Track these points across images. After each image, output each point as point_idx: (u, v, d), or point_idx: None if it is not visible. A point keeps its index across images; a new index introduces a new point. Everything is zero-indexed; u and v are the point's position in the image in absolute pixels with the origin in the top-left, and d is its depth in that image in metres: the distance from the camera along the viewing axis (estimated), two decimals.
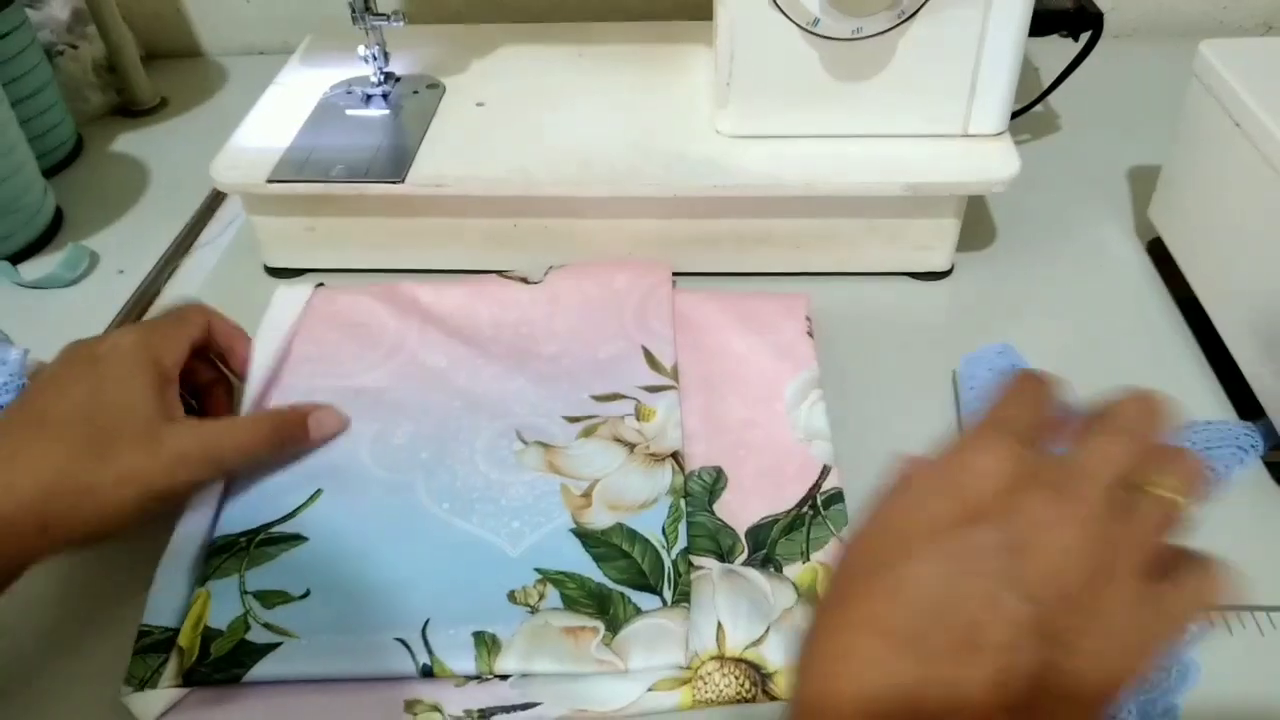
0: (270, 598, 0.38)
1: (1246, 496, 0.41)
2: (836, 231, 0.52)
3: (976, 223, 0.57)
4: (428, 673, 0.35)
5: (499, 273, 0.52)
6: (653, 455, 0.42)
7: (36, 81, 0.63)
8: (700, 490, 0.42)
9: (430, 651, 0.36)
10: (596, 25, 0.64)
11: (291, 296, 0.50)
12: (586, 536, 0.39)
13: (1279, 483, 0.42)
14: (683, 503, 0.41)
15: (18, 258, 0.58)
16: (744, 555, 0.40)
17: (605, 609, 0.37)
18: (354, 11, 0.54)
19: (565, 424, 0.44)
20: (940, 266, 0.54)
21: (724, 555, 0.39)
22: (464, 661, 0.35)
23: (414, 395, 0.46)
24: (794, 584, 0.38)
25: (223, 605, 0.37)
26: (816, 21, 0.46)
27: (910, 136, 0.50)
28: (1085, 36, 0.55)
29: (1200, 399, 0.46)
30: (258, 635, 0.36)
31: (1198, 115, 0.48)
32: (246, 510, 0.41)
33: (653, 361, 0.47)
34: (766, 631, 0.36)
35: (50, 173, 0.64)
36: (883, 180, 0.49)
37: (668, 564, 0.38)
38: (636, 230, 0.53)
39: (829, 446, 0.43)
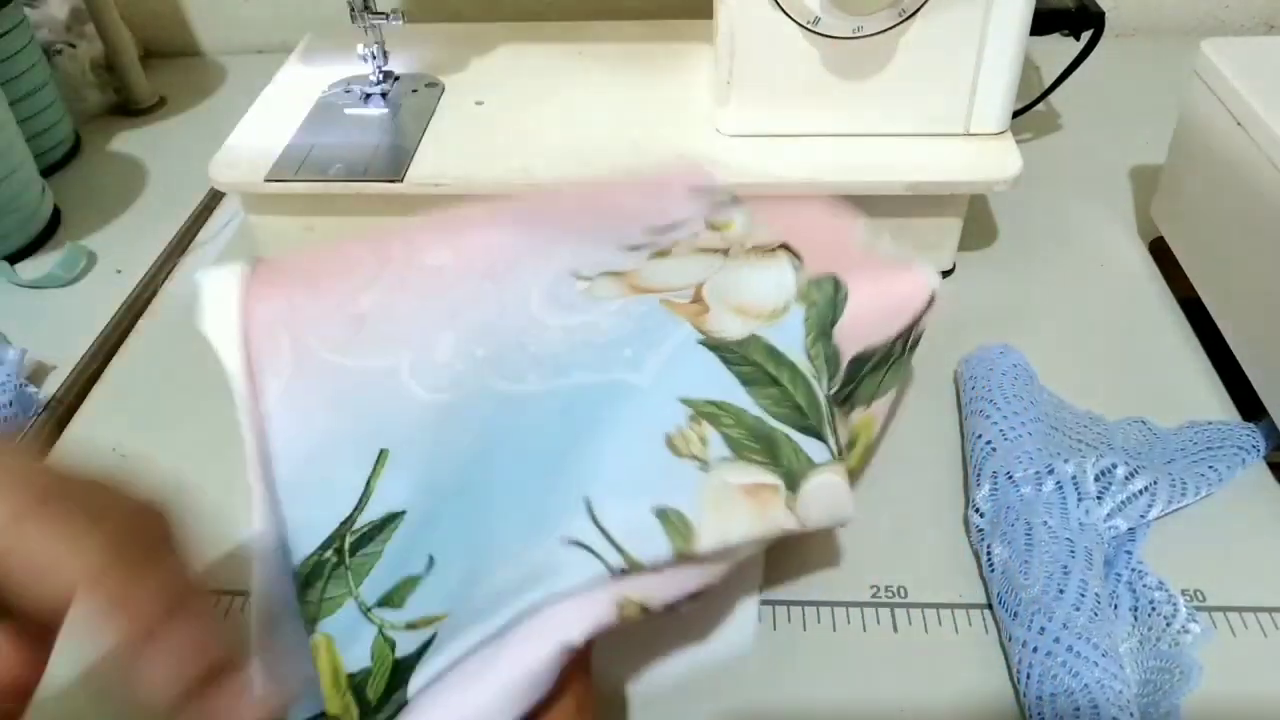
0: (396, 596, 0.29)
1: (1247, 497, 0.41)
2: None
3: (978, 222, 0.56)
4: (624, 573, 0.28)
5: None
6: (756, 250, 0.33)
7: (34, 81, 0.63)
8: (824, 303, 0.33)
9: (616, 545, 0.28)
10: (596, 24, 0.64)
11: (219, 287, 0.35)
12: (722, 349, 0.31)
13: None
14: (816, 314, 0.33)
15: (15, 257, 0.58)
16: (834, 389, 0.33)
17: (777, 457, 0.30)
18: (353, 10, 0.54)
19: (627, 253, 0.35)
20: (942, 266, 0.53)
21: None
22: (657, 548, 0.28)
23: (432, 300, 0.35)
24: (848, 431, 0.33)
25: (351, 641, 0.29)
26: (817, 20, 0.46)
27: (911, 136, 0.50)
28: (1086, 35, 0.55)
29: (1202, 399, 0.46)
30: (407, 643, 0.28)
31: (1199, 114, 0.47)
32: (310, 517, 0.31)
33: (704, 191, 0.38)
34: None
35: (48, 172, 0.64)
36: (884, 179, 0.48)
37: (822, 400, 0.31)
38: None
39: (933, 270, 0.37)
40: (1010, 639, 0.35)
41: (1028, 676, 0.34)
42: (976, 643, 0.37)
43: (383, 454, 0.32)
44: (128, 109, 0.72)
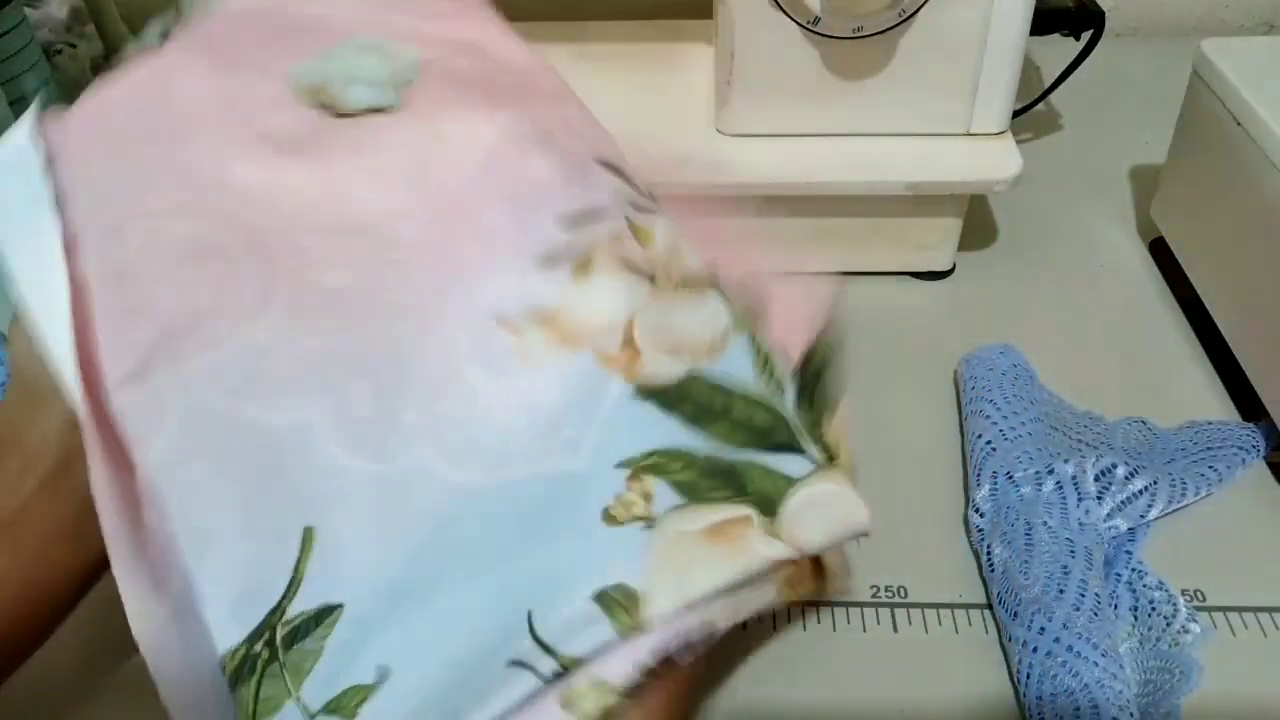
0: (345, 705, 0.26)
1: (1248, 497, 0.41)
2: (837, 231, 0.52)
3: (978, 222, 0.56)
4: (560, 676, 0.26)
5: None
6: (684, 283, 0.30)
7: (35, 80, 0.62)
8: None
9: (550, 650, 0.26)
10: (596, 24, 0.64)
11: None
12: (659, 394, 0.28)
13: None
14: (761, 338, 0.30)
15: None
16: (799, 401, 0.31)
17: (743, 486, 0.28)
18: None
19: (543, 269, 0.29)
20: (942, 266, 0.53)
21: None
22: (596, 636, 0.26)
23: (338, 338, 0.29)
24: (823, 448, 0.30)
25: None
26: (817, 20, 0.46)
27: (912, 135, 0.50)
28: (1086, 35, 0.55)
29: (1202, 399, 0.46)
30: None
31: (1199, 114, 0.47)
32: (232, 600, 0.27)
33: (619, 173, 0.33)
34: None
35: None
36: (884, 179, 0.48)
37: (789, 413, 0.29)
38: None
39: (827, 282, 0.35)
40: (1010, 639, 0.35)
41: (1028, 676, 0.34)
42: (976, 643, 0.37)
43: (309, 532, 0.27)
44: None
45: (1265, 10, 0.76)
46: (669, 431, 0.28)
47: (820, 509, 0.28)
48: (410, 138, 0.31)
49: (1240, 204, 0.44)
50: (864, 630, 0.37)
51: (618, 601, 0.26)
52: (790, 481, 0.28)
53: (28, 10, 0.65)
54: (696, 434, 0.28)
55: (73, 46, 0.69)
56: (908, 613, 0.38)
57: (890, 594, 0.38)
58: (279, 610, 0.27)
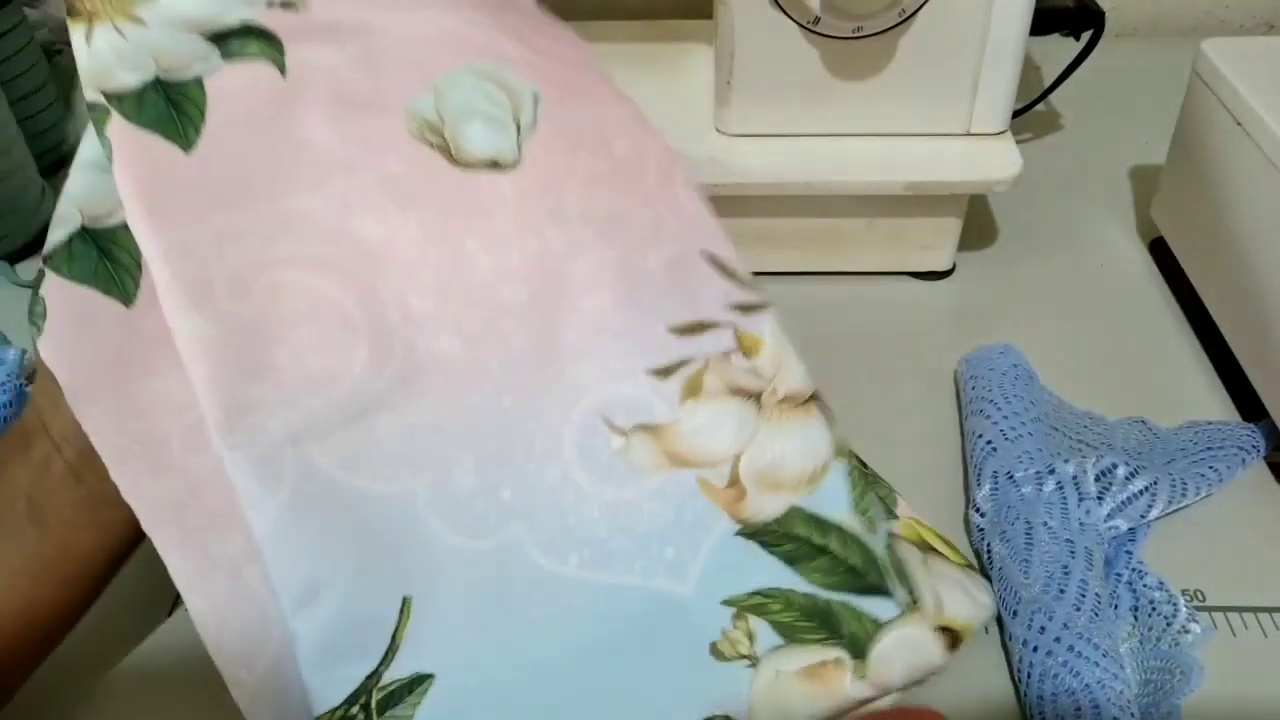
0: None
1: (1248, 498, 0.41)
2: (837, 231, 0.52)
3: (978, 222, 0.56)
4: None
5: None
6: (788, 402, 0.32)
7: (34, 80, 0.63)
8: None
9: None
10: (596, 24, 0.64)
11: None
12: (762, 535, 0.30)
13: None
14: (860, 464, 0.32)
15: (15, 257, 0.58)
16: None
17: (837, 629, 0.29)
18: None
19: (655, 382, 0.31)
20: (942, 266, 0.53)
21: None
22: None
23: (445, 409, 0.30)
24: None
25: None
26: (817, 20, 0.46)
27: (911, 135, 0.50)
28: (1086, 35, 0.55)
29: (1202, 399, 0.46)
30: None
31: (1199, 114, 0.47)
32: (327, 664, 0.28)
33: (725, 270, 0.33)
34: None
35: (48, 172, 0.64)
36: (884, 179, 0.48)
37: (880, 551, 0.30)
38: None
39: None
40: (1010, 639, 0.35)
41: (1028, 676, 0.34)
42: (977, 643, 0.36)
43: (407, 601, 0.29)
44: None
45: (1265, 10, 0.76)
46: (770, 570, 0.30)
47: (903, 651, 0.29)
48: (529, 204, 0.32)
49: (1240, 204, 0.44)
50: None
51: None
52: (879, 625, 0.29)
53: (27, 10, 0.65)
54: (795, 574, 0.30)
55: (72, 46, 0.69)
56: None
57: None
58: (375, 675, 0.28)
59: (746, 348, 0.32)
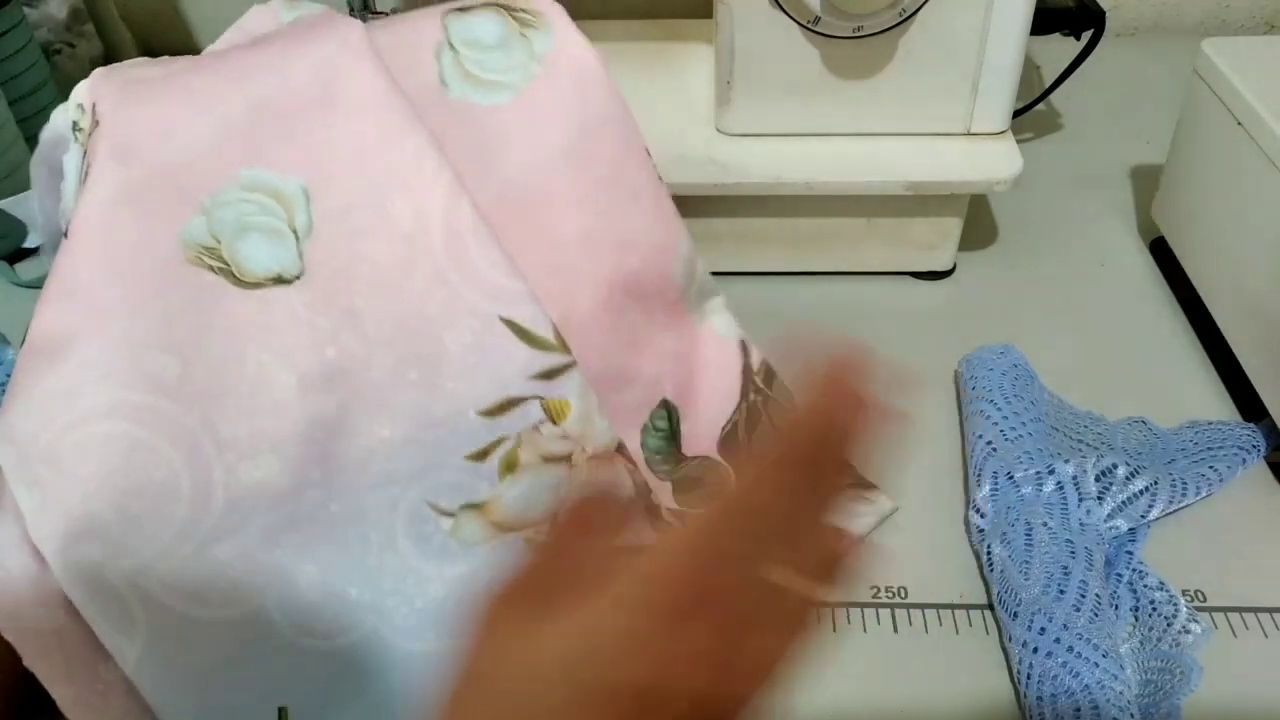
0: None
1: (1248, 497, 0.41)
2: (837, 231, 0.52)
3: (978, 222, 0.56)
4: None
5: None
6: (596, 459, 0.35)
7: (34, 80, 0.62)
8: (663, 444, 0.37)
9: None
10: (596, 23, 0.64)
11: None
12: None
13: None
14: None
15: (15, 257, 0.58)
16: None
17: None
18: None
19: (474, 465, 0.34)
20: (942, 266, 0.53)
21: None
22: None
23: (272, 522, 0.32)
24: None
25: None
26: (817, 20, 0.46)
27: (912, 135, 0.50)
28: (1087, 35, 0.55)
29: (1203, 399, 0.46)
30: None
31: (1200, 114, 0.47)
32: None
33: (526, 336, 0.34)
34: None
35: None
36: (884, 179, 0.48)
37: None
38: None
39: (728, 316, 0.40)
40: (1010, 639, 0.35)
41: (1028, 677, 0.34)
42: (977, 643, 0.37)
43: (282, 713, 0.31)
44: None
45: (1266, 10, 0.76)
46: None
47: None
48: (318, 315, 0.33)
49: (1240, 204, 0.44)
50: (864, 630, 0.37)
51: None
52: None
53: (27, 10, 0.65)
54: None
55: (72, 46, 0.69)
56: (908, 613, 0.37)
57: (890, 594, 0.38)
58: None
59: (554, 414, 0.34)
